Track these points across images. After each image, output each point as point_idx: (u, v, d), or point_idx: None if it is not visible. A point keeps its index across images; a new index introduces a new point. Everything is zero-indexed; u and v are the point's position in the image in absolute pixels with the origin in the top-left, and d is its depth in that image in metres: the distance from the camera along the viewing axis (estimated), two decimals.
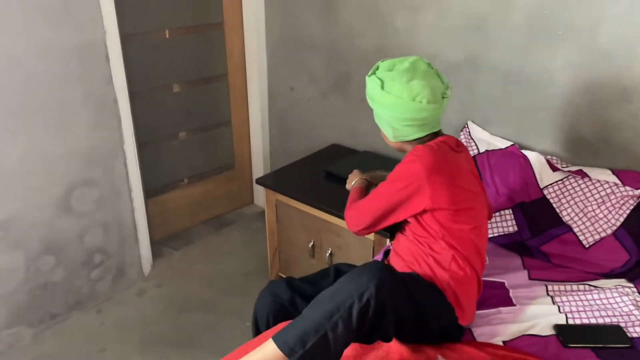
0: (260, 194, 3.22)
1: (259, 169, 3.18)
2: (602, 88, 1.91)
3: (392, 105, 1.49)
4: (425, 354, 1.45)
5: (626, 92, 1.87)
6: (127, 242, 2.61)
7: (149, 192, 2.84)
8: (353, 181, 1.84)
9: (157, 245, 2.92)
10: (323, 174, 2.45)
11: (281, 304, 1.64)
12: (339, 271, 1.72)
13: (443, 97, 1.50)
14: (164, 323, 2.45)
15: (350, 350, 1.42)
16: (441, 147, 1.50)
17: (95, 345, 2.33)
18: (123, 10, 2.37)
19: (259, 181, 2.48)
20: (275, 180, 2.48)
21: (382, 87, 1.49)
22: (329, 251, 2.29)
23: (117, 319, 2.48)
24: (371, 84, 1.53)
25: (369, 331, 1.36)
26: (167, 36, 2.69)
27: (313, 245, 2.35)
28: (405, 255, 1.58)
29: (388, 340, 1.42)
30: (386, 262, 1.70)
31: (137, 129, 2.59)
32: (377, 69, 1.55)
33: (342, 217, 2.15)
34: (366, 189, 1.79)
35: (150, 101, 2.73)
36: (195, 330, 2.41)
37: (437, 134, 1.57)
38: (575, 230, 1.88)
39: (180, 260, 2.89)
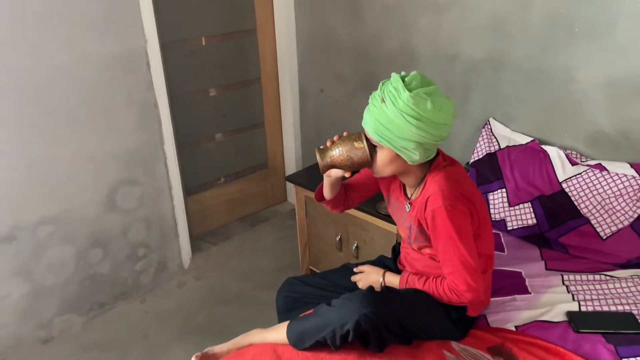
0: (292, 192, 3.35)
1: (291, 168, 3.31)
2: (620, 84, 1.95)
3: (443, 124, 1.41)
4: (431, 351, 1.50)
5: None
6: (168, 237, 2.78)
7: (189, 191, 3.01)
8: (381, 277, 1.67)
9: (196, 241, 3.09)
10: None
11: (293, 298, 1.82)
12: (347, 269, 1.82)
13: None
14: (202, 314, 2.60)
15: (356, 357, 1.46)
16: (451, 172, 1.51)
17: (138, 332, 2.50)
18: (162, 20, 2.55)
19: (290, 179, 2.61)
20: (304, 178, 2.60)
21: (434, 105, 1.38)
22: (355, 244, 2.39)
23: (159, 309, 2.66)
24: (418, 101, 1.37)
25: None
26: (204, 43, 2.86)
27: (340, 239, 2.46)
28: (418, 268, 1.65)
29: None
30: (398, 263, 1.78)
31: (177, 131, 2.77)
32: (405, 83, 1.40)
33: (369, 213, 2.25)
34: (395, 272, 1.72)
35: (189, 105, 2.90)
36: (230, 321, 2.55)
37: None
38: (593, 222, 1.92)
39: (217, 255, 3.05)
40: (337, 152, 1.50)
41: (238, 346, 1.66)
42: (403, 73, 1.44)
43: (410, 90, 1.38)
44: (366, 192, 1.80)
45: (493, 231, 2.04)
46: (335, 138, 1.53)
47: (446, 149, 2.51)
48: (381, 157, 1.48)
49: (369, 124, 1.45)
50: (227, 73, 3.02)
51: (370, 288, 1.51)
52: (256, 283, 2.79)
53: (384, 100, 1.41)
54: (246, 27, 2.99)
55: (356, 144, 1.48)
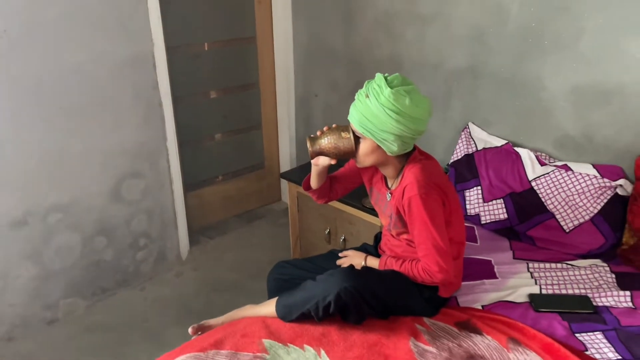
0: (286, 191, 3.52)
1: (286, 168, 3.49)
2: (584, 91, 2.14)
3: (419, 119, 1.57)
4: (405, 325, 1.68)
5: (605, 95, 2.09)
6: (168, 228, 2.96)
7: (189, 186, 3.19)
8: (363, 261, 1.85)
9: (195, 234, 3.27)
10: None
11: (282, 280, 1.97)
12: (333, 255, 2.00)
13: None
14: (198, 301, 2.77)
15: (336, 330, 1.65)
16: (426, 165, 1.68)
17: (138, 317, 2.66)
18: (169, 26, 2.75)
19: (284, 175, 2.80)
20: (297, 175, 2.78)
21: (412, 101, 1.54)
22: (343, 237, 2.57)
23: (158, 295, 2.82)
24: (396, 97, 1.53)
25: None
26: (206, 48, 3.06)
27: (329, 232, 2.64)
28: (396, 252, 1.82)
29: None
30: (379, 249, 1.96)
31: (179, 129, 2.96)
32: (387, 81, 1.57)
33: (355, 207, 2.43)
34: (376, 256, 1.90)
35: (191, 105, 3.09)
36: (224, 307, 2.64)
37: None
38: (558, 217, 2.10)
39: (214, 248, 3.22)
40: (326, 141, 1.68)
41: (232, 319, 1.84)
42: (386, 74, 1.61)
43: (391, 88, 1.54)
44: (350, 184, 1.97)
45: (468, 224, 2.24)
46: (325, 128, 1.72)
47: (429, 150, 2.70)
48: (364, 147, 1.65)
49: (354, 117, 1.63)
50: (227, 77, 3.21)
51: (351, 266, 1.69)
52: (250, 274, 2.96)
53: (368, 96, 1.59)
54: (247, 34, 3.19)
55: (343, 134, 1.66)
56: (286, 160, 3.49)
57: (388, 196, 1.78)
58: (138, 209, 2.79)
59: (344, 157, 1.71)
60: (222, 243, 3.27)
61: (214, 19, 3.04)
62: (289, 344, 1.60)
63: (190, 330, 1.81)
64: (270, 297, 2.06)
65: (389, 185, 1.79)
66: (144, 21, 2.54)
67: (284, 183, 3.47)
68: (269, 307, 1.75)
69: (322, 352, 1.57)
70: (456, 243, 1.76)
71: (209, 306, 2.73)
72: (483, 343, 1.60)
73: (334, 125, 1.71)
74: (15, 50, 2.18)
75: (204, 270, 3.03)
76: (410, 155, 1.71)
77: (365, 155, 1.67)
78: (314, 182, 1.90)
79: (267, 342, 1.60)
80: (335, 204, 2.54)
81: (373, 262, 1.84)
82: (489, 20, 2.34)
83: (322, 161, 1.77)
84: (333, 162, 1.73)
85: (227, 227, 3.40)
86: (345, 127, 1.69)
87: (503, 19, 2.29)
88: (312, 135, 1.73)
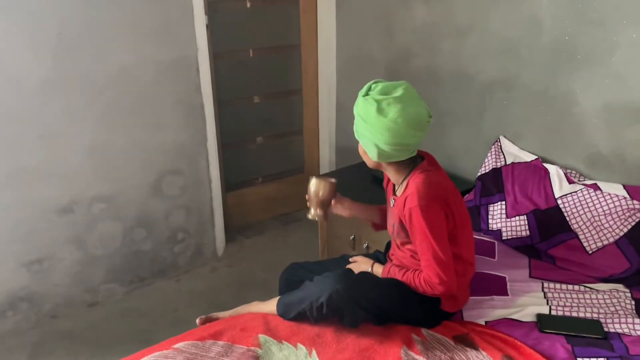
0: None
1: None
2: (616, 109, 2.06)
3: (386, 129, 1.56)
4: (401, 333, 1.69)
5: (639, 113, 2.00)
6: (205, 225, 3.10)
7: (229, 186, 3.33)
8: (370, 267, 1.88)
9: (233, 232, 3.39)
10: (370, 178, 2.76)
11: (293, 281, 2.01)
12: (344, 259, 2.03)
13: (427, 123, 1.63)
14: (228, 295, 2.88)
15: (332, 332, 1.69)
16: (430, 176, 1.67)
17: (170, 306, 2.81)
18: (216, 33, 2.90)
19: None
20: None
21: (378, 111, 1.55)
22: (366, 244, 2.59)
23: (191, 288, 2.96)
24: (365, 105, 1.59)
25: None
26: (251, 55, 3.19)
27: (354, 239, 2.67)
28: (402, 262, 1.82)
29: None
30: (388, 256, 1.97)
31: (222, 132, 3.10)
32: (370, 89, 1.61)
33: None
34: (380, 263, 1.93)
35: (235, 109, 3.23)
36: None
37: (414, 156, 1.70)
38: (581, 237, 2.03)
39: (249, 247, 3.33)
40: (312, 196, 1.87)
41: (238, 314, 1.92)
42: (379, 81, 1.64)
43: (366, 95, 1.60)
44: None
45: (488, 239, 2.20)
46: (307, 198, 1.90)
47: (458, 162, 2.69)
48: (360, 147, 1.72)
49: None
50: (271, 83, 3.33)
51: (348, 269, 1.72)
52: (280, 274, 3.03)
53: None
54: (291, 42, 3.29)
55: (312, 187, 1.87)
56: (325, 166, 3.55)
57: (392, 202, 1.79)
58: (177, 205, 2.94)
59: (328, 196, 1.86)
60: (257, 243, 3.37)
61: (260, 27, 3.16)
62: (283, 341, 1.65)
63: (197, 321, 1.90)
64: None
65: (395, 192, 1.80)
66: (189, 28, 2.69)
67: None
68: (272, 305, 1.82)
69: (314, 352, 1.61)
70: (464, 262, 1.74)
71: (237, 302, 2.77)
72: (477, 358, 1.58)
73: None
74: (68, 52, 2.38)
75: (237, 268, 3.14)
76: (417, 165, 1.72)
77: (362, 154, 1.73)
78: (368, 221, 2.03)
79: (262, 337, 1.66)
80: None
81: (378, 270, 1.86)
82: (522, 33, 2.29)
83: (335, 210, 1.94)
84: (332, 206, 1.91)
85: (263, 228, 3.51)
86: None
87: (536, 32, 2.24)
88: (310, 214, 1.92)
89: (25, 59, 2.31)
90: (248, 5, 3.06)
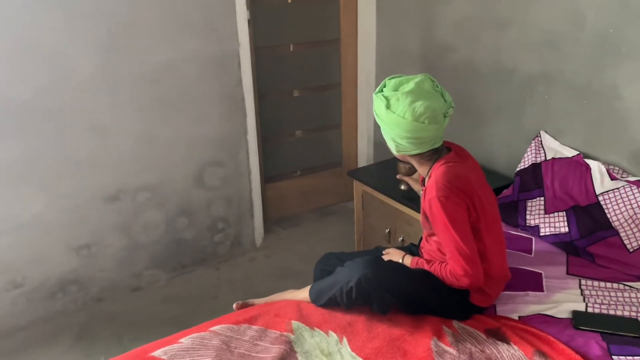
0: None
1: None
2: None
3: (396, 124, 1.61)
4: (431, 324, 1.70)
5: None
6: (244, 216, 3.17)
7: (268, 178, 3.40)
8: (401, 258, 1.87)
9: (271, 224, 3.47)
10: None
11: (327, 271, 2.02)
12: (377, 251, 2.05)
13: (445, 116, 1.63)
14: (265, 284, 2.94)
15: (363, 320, 1.71)
16: (452, 167, 1.67)
17: (210, 293, 2.90)
18: (258, 28, 2.96)
19: (350, 173, 2.88)
20: (364, 174, 2.86)
21: (387, 106, 1.61)
22: (402, 237, 2.60)
23: (230, 276, 3.05)
24: (377, 101, 1.65)
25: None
26: (292, 50, 3.23)
27: (389, 232, 2.69)
28: (430, 255, 1.84)
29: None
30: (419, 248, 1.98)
31: (262, 125, 3.16)
32: (384, 86, 1.67)
33: (413, 209, 2.46)
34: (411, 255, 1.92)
35: (274, 103, 3.29)
36: None
37: (438, 149, 1.72)
38: (622, 234, 1.98)
39: (287, 238, 3.39)
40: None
41: (273, 301, 1.97)
42: (397, 76, 1.68)
43: (380, 92, 1.65)
44: None
45: (525, 235, 2.18)
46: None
47: (497, 158, 2.66)
48: None
49: None
50: (310, 77, 3.37)
51: (377, 256, 1.75)
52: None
53: None
54: (331, 37, 3.31)
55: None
56: (363, 160, 3.57)
57: (419, 192, 1.81)
58: (217, 195, 3.03)
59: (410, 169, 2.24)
60: (294, 234, 3.43)
61: (300, 22, 3.21)
62: (315, 328, 1.69)
63: (234, 305, 1.97)
64: None
65: (425, 183, 1.82)
66: (232, 24, 2.76)
67: None
68: (306, 292, 1.86)
69: (345, 339, 1.64)
70: (489, 263, 1.72)
71: (273, 291, 2.82)
72: (508, 352, 1.58)
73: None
74: (117, 47, 2.49)
75: (275, 258, 3.21)
76: (442, 157, 1.72)
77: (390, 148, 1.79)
78: None
79: (295, 323, 1.71)
80: (396, 204, 2.58)
81: (408, 261, 1.87)
82: (564, 26, 2.25)
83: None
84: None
85: (301, 220, 3.56)
86: None
87: (579, 25, 2.19)
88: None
89: (76, 55, 2.42)
90: (289, 0, 3.11)
